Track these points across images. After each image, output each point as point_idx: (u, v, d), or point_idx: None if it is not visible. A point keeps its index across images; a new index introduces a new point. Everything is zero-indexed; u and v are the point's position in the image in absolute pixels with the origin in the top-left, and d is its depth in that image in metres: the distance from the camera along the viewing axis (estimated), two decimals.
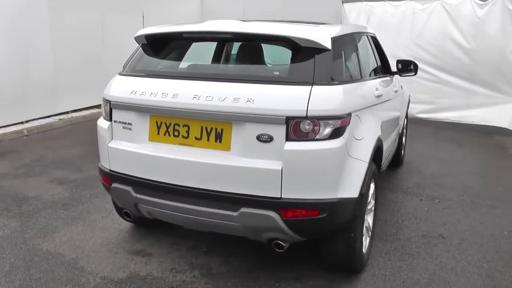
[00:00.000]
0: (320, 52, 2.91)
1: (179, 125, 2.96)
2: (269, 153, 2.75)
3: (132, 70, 3.32)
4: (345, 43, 3.38)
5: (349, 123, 2.84)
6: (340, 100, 2.81)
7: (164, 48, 3.40)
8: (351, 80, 3.27)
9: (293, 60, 3.00)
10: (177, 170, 2.95)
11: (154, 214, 3.22)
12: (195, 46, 3.48)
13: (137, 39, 3.39)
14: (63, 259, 3.49)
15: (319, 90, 2.75)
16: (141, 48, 3.42)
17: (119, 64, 3.71)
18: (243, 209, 2.79)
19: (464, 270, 3.45)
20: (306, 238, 3.04)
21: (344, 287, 3.20)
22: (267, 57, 3.39)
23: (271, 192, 2.76)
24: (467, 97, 8.32)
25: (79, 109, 8.84)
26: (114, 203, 3.78)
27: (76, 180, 5.22)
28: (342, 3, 9.87)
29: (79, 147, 6.63)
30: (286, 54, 3.07)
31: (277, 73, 3.12)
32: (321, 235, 3.07)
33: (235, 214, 2.80)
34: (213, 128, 2.87)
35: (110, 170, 3.23)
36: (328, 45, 2.94)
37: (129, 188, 3.10)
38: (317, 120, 2.69)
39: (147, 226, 3.95)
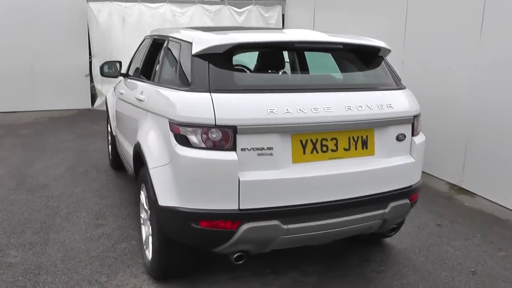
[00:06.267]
0: (384, 59, 3.41)
1: (327, 140, 2.90)
2: (403, 149, 3.17)
3: (233, 85, 2.83)
4: None
5: None
6: None
7: (250, 58, 3.36)
8: None
9: (374, 66, 3.38)
10: (330, 186, 2.89)
11: (289, 243, 3.00)
12: (281, 55, 3.58)
13: (214, 48, 2.86)
14: None
15: (409, 92, 3.35)
16: (222, 60, 2.88)
17: None
18: (392, 204, 3.07)
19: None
20: None
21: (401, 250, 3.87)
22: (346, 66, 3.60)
23: (406, 182, 3.17)
24: None
25: None
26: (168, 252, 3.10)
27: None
28: (87, 2, 9.16)
29: None
30: (361, 61, 3.43)
31: (380, 79, 3.35)
32: None
33: (386, 211, 3.06)
34: (359, 137, 3.00)
35: (240, 210, 2.72)
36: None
37: (276, 222, 2.75)
38: (414, 117, 3.24)
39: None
